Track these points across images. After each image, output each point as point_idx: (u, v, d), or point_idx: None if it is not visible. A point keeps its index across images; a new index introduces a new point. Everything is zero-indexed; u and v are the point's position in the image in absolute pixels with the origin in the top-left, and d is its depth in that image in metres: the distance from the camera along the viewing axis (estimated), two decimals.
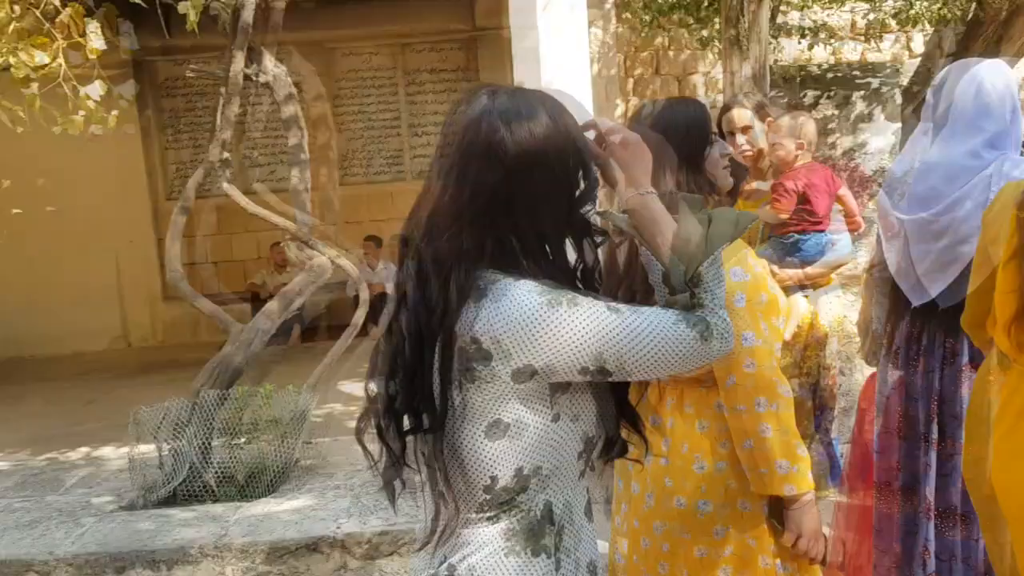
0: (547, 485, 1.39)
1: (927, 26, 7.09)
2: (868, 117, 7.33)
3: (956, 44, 7.30)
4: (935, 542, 2.51)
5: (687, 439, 2.06)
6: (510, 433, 1.35)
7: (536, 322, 1.31)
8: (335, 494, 4.16)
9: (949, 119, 2.48)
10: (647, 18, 7.82)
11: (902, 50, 9.20)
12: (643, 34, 8.32)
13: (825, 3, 7.34)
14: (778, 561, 2.04)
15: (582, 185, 1.39)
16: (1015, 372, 2.07)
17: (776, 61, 7.32)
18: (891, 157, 6.87)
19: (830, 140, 7.37)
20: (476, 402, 1.34)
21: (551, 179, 1.37)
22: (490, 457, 1.36)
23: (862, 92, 7.27)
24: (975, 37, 6.79)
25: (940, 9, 6.31)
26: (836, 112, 7.37)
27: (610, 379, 1.36)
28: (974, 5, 6.21)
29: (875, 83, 7.21)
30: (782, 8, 6.39)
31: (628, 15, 8.18)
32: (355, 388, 6.03)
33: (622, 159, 1.43)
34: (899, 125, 6.99)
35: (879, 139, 7.21)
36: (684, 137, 2.04)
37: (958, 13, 6.38)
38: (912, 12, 6.48)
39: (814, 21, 7.51)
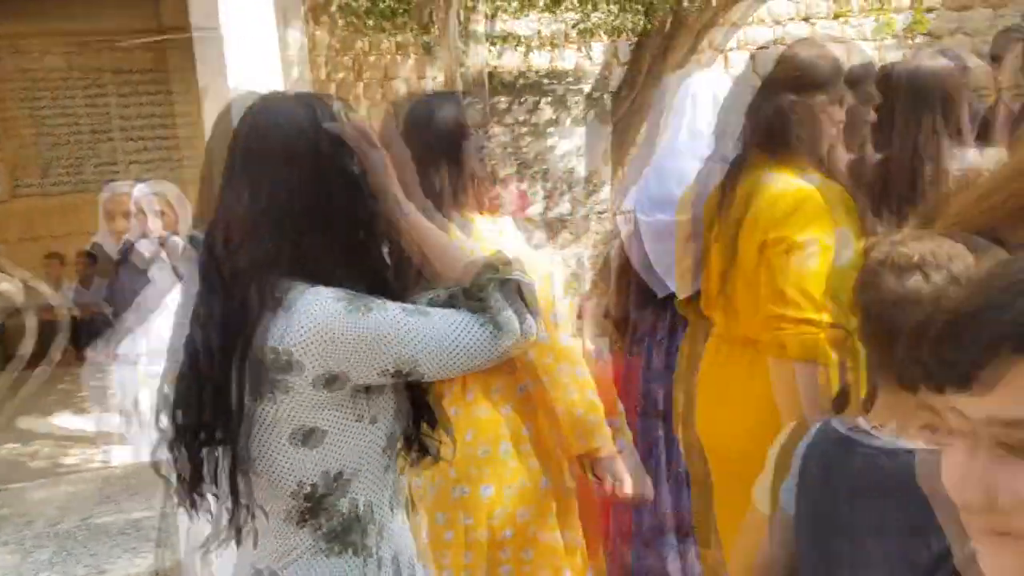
0: (353, 485, 1.42)
1: (603, 37, 7.45)
2: (556, 122, 7.58)
3: (630, 54, 7.74)
4: (670, 500, 2.84)
5: (472, 426, 2.10)
6: (316, 438, 1.38)
7: (333, 329, 1.34)
8: (34, 543, 3.88)
9: (672, 125, 2.71)
10: (342, 22, 7.60)
11: (584, 59, 9.55)
12: (342, 37, 8.06)
13: (512, 12, 7.46)
14: (567, 531, 2.16)
15: (371, 186, 1.41)
16: (714, 337, 2.38)
17: (469, 68, 7.32)
18: (578, 159, 7.17)
19: (521, 145, 7.62)
20: (281, 411, 1.36)
21: (340, 182, 1.39)
22: (298, 463, 1.38)
23: (549, 98, 7.49)
24: (645, 47, 7.17)
25: (614, 21, 6.63)
26: (527, 117, 7.60)
27: (409, 380, 1.41)
28: (643, 18, 6.55)
29: (560, 90, 7.46)
30: (474, 16, 6.44)
31: (326, 18, 7.88)
32: (41, 423, 5.52)
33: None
34: (583, 129, 7.33)
35: (566, 142, 7.54)
36: (441, 131, 2.06)
37: (628, 25, 6.71)
38: (590, 24, 6.77)
39: (504, 30, 7.65)
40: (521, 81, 7.41)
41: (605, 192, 7.61)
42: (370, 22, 7.08)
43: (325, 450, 1.39)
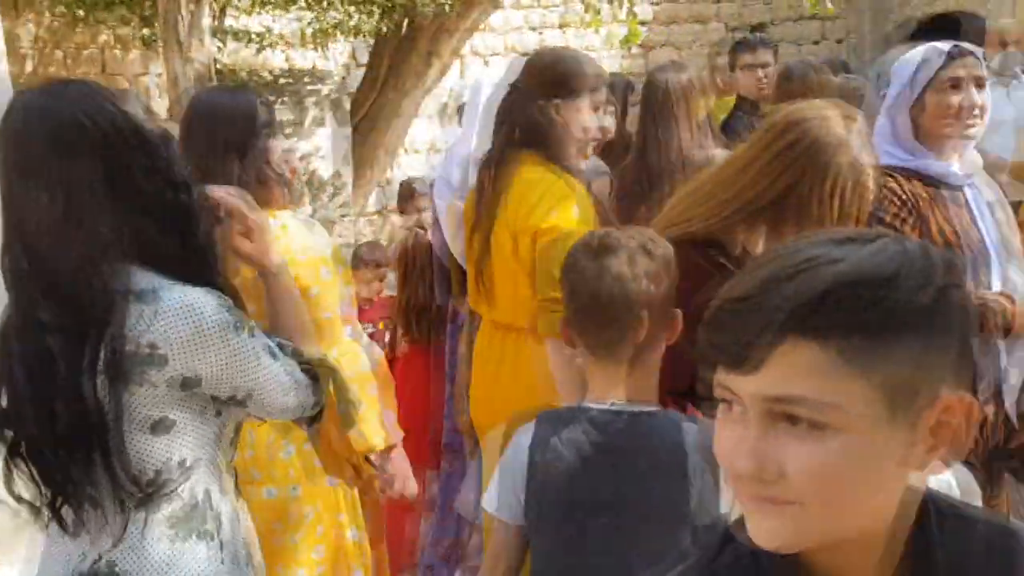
0: (195, 473, 1.45)
1: (340, 37, 7.42)
2: (322, 121, 7.44)
3: (368, 56, 7.78)
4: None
5: (272, 426, 2.07)
6: (175, 429, 1.41)
7: (218, 338, 1.38)
8: None
9: (479, 119, 2.82)
10: (49, 14, 7.00)
11: (350, 59, 9.47)
12: (53, 29, 7.41)
13: (271, 9, 7.23)
14: (352, 530, 2.18)
15: (179, 172, 1.40)
16: (484, 325, 2.49)
17: (225, 65, 7.00)
18: (320, 161, 7.11)
19: (287, 145, 7.37)
20: (142, 402, 1.37)
21: (142, 168, 1.37)
22: (155, 452, 1.40)
23: (314, 98, 7.34)
24: (384, 49, 7.26)
25: (350, 21, 6.63)
26: (292, 117, 7.41)
27: (229, 406, 1.46)
28: (379, 20, 6.61)
29: (325, 90, 7.32)
30: (230, 12, 6.17)
31: (31, 12, 7.24)
32: None
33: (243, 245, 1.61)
34: (324, 130, 7.26)
35: (306, 144, 7.46)
36: (233, 126, 2.05)
37: (365, 27, 6.75)
38: (326, 23, 6.70)
39: (264, 26, 7.40)
40: (255, 80, 7.18)
41: (347, 194, 7.56)
42: (80, 12, 6.56)
43: (172, 438, 1.42)
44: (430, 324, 3.24)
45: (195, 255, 1.43)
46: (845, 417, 0.74)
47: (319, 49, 7.51)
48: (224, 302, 1.41)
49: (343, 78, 8.07)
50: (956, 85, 2.20)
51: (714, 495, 1.52)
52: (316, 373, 1.54)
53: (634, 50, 10.05)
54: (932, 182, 2.23)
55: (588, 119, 2.36)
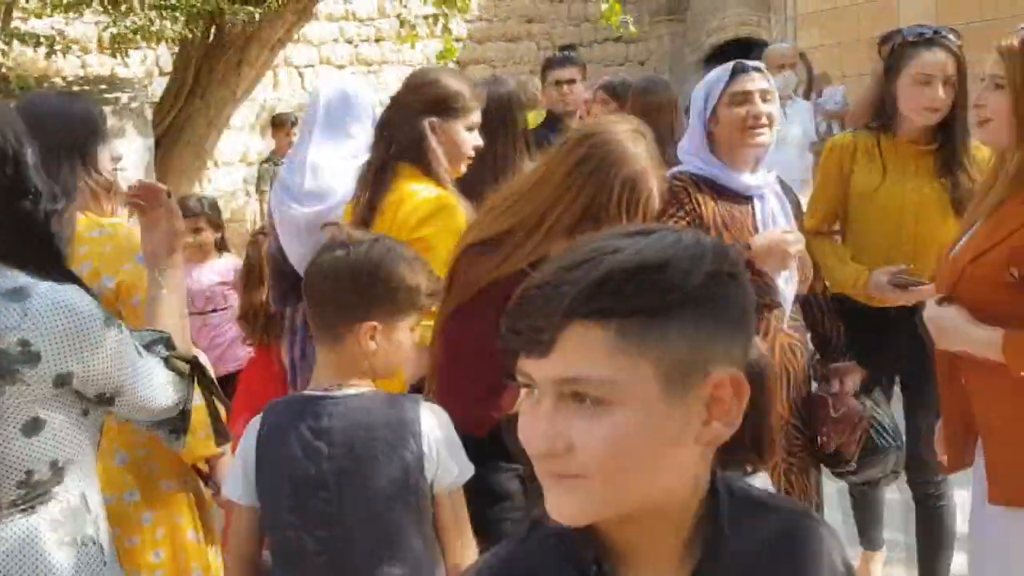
0: (70, 475, 1.44)
1: (141, 43, 7.11)
2: (121, 131, 7.07)
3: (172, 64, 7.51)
4: None
5: (104, 434, 2.01)
6: (46, 429, 1.39)
7: (93, 335, 1.39)
8: None
9: (320, 125, 2.86)
10: None
11: (153, 66, 9.05)
12: None
13: (63, 12, 6.79)
14: (191, 531, 2.15)
15: (31, 180, 1.42)
16: None
17: (10, 69, 6.52)
18: (147, 172, 6.77)
19: (116, 153, 6.96)
20: (14, 402, 1.36)
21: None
22: (26, 453, 1.38)
23: (111, 107, 6.96)
24: (190, 58, 7.01)
25: (150, 27, 6.32)
26: None
27: (98, 405, 1.46)
28: (183, 27, 6.35)
29: (124, 98, 6.94)
30: (17, 14, 5.73)
31: None
32: None
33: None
34: (151, 140, 6.90)
35: (133, 154, 7.06)
36: (72, 132, 2.04)
37: (168, 33, 6.47)
38: (124, 28, 6.37)
39: (55, 29, 6.95)
40: (46, 85, 6.74)
41: None
42: None
43: (55, 440, 1.41)
44: (271, 330, 3.21)
45: (54, 257, 1.44)
46: (625, 394, 0.79)
47: (118, 56, 7.12)
48: (94, 299, 1.43)
49: (145, 86, 7.70)
50: (742, 98, 2.36)
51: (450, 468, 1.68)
52: (183, 370, 1.55)
53: (450, 66, 10.17)
54: (722, 191, 2.40)
55: (464, 138, 2.47)
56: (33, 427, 1.38)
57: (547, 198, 1.87)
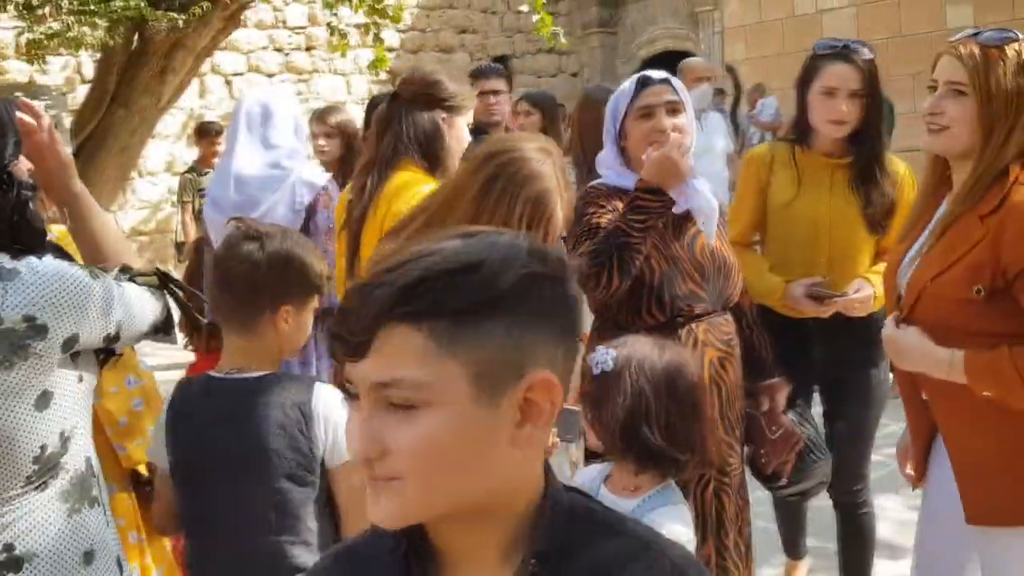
0: (75, 443, 1.49)
1: (61, 50, 6.91)
2: None
3: (96, 70, 7.30)
4: None
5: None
6: (55, 401, 1.44)
7: (85, 293, 1.46)
8: None
9: (242, 138, 2.93)
10: None
11: (75, 73, 8.80)
12: None
13: None
14: (133, 532, 2.21)
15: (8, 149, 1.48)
16: None
17: None
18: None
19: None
20: (26, 378, 1.40)
21: None
22: (40, 427, 1.43)
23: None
24: (112, 65, 6.84)
25: (68, 33, 6.14)
26: None
27: (110, 345, 1.54)
28: (104, 33, 6.19)
29: (41, 106, 6.69)
30: None
31: None
32: None
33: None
34: (70, 149, 6.68)
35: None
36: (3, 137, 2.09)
37: (89, 40, 6.29)
38: (40, 33, 6.18)
39: None
40: None
41: None
42: None
43: (62, 411, 1.46)
44: (215, 336, 3.20)
45: (34, 236, 1.51)
46: (437, 396, 0.80)
47: (36, 62, 6.90)
48: (65, 260, 1.51)
49: (64, 94, 7.48)
50: (647, 112, 2.32)
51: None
52: (154, 283, 1.65)
53: (383, 76, 10.10)
54: None
55: (466, 134, 2.57)
56: (44, 401, 1.44)
57: (459, 223, 1.82)
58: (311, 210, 2.92)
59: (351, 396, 0.84)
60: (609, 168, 2.42)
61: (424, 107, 2.50)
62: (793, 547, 3.21)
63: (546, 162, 1.81)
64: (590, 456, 2.15)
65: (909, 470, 2.13)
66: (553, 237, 1.77)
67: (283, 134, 2.97)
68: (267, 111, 2.98)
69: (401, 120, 2.50)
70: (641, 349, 1.77)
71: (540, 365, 0.83)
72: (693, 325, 2.29)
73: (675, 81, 2.38)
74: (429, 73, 2.63)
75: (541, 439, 0.85)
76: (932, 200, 2.01)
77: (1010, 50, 1.81)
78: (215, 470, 1.76)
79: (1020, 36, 1.85)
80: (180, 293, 1.70)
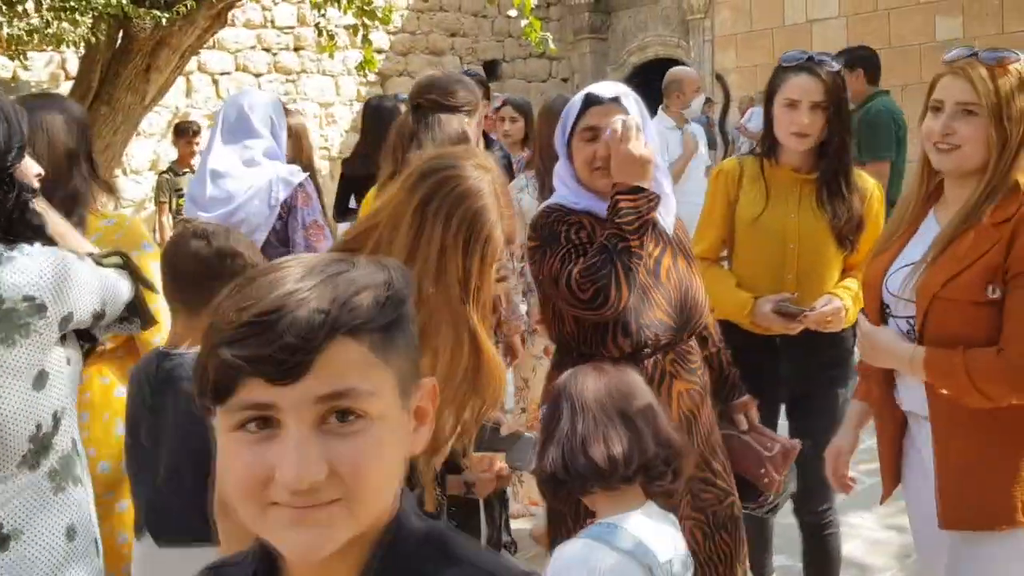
0: (64, 423, 1.60)
1: (44, 46, 6.84)
2: None
3: (79, 67, 7.26)
4: None
5: (107, 408, 2.29)
6: (49, 381, 1.56)
7: (75, 272, 1.61)
8: None
9: (220, 137, 3.01)
10: None
11: (59, 69, 8.73)
12: None
13: None
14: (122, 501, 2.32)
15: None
16: None
17: None
18: None
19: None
20: (27, 356, 1.50)
21: None
22: (37, 406, 1.53)
23: None
24: (96, 62, 6.77)
25: (47, 29, 6.06)
26: None
27: (99, 322, 1.69)
28: (87, 30, 6.12)
29: None
30: None
31: None
32: None
33: None
34: None
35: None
36: (84, 135, 2.29)
37: (71, 36, 6.22)
38: (51, 32, 6.11)
39: None
40: None
41: None
42: None
43: (55, 391, 1.57)
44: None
45: (33, 230, 1.65)
46: (380, 406, 0.82)
47: (17, 58, 6.84)
48: (50, 245, 1.64)
49: (47, 91, 7.44)
50: (591, 134, 2.15)
51: None
52: (119, 264, 1.81)
53: (371, 77, 10.05)
54: (601, 221, 2.17)
55: (476, 135, 2.68)
56: (41, 381, 1.55)
57: (401, 249, 1.67)
58: (289, 207, 2.96)
59: (259, 427, 0.79)
60: (563, 183, 2.26)
61: (453, 111, 2.61)
62: (760, 566, 3.17)
63: (483, 179, 1.70)
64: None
65: (838, 467, 2.24)
66: (492, 256, 1.69)
67: (260, 132, 3.03)
68: (245, 110, 3.05)
69: (429, 128, 2.57)
70: (577, 375, 1.77)
71: (420, 373, 0.90)
72: (660, 356, 2.17)
73: (627, 100, 2.18)
74: (445, 79, 2.73)
75: (422, 444, 0.90)
76: (921, 211, 2.05)
77: (1012, 69, 1.88)
78: (139, 431, 1.98)
79: (1018, 54, 1.92)
80: (137, 277, 1.86)
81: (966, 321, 1.87)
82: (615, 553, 1.64)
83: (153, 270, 2.30)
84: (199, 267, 1.96)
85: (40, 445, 1.55)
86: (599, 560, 1.63)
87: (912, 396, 2.02)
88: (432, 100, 2.61)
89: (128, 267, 1.83)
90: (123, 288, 1.77)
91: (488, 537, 2.19)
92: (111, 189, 2.47)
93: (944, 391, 1.89)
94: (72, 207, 2.25)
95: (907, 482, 2.11)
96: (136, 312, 1.84)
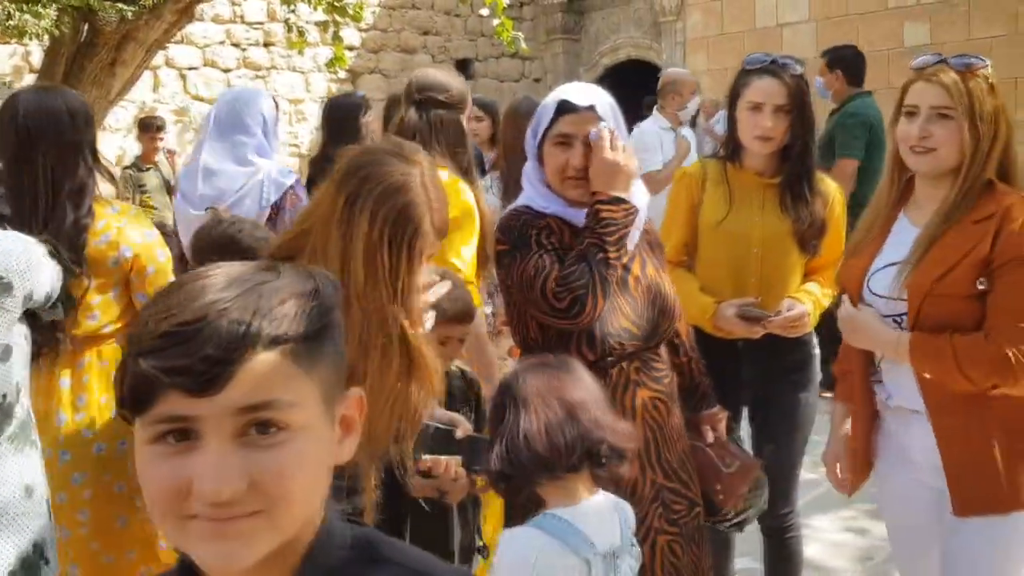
0: (25, 391, 1.79)
1: (11, 39, 6.71)
2: None
3: (43, 60, 7.13)
4: None
5: (106, 392, 2.34)
6: (12, 355, 1.72)
7: (37, 255, 1.79)
8: None
9: (211, 135, 3.03)
10: None
11: (23, 62, 8.60)
12: None
13: None
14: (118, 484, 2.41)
15: None
16: None
17: None
18: None
19: None
20: None
21: None
22: (3, 379, 1.70)
23: None
24: (60, 55, 6.67)
25: (8, 21, 5.96)
26: None
27: (47, 305, 1.88)
28: (51, 23, 6.02)
29: None
30: None
31: None
32: None
33: None
34: None
35: None
36: (88, 126, 2.37)
37: (33, 28, 6.11)
38: (13, 23, 6.00)
39: None
40: None
41: None
42: None
43: (11, 364, 1.72)
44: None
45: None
46: (302, 417, 0.81)
47: None
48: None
49: (9, 83, 7.31)
50: (564, 142, 2.10)
51: None
52: (53, 252, 1.93)
53: (342, 74, 9.98)
54: (571, 226, 2.15)
55: (469, 131, 2.75)
56: (6, 354, 1.70)
57: (335, 249, 1.62)
58: (278, 208, 3.00)
59: (177, 439, 0.78)
60: (532, 184, 2.21)
61: (454, 110, 2.66)
62: (721, 570, 3.17)
63: (410, 172, 1.64)
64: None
65: (839, 472, 2.23)
66: (421, 252, 1.64)
67: (248, 134, 3.04)
68: (234, 112, 3.06)
69: (433, 126, 2.62)
70: (519, 371, 1.78)
71: (345, 383, 0.88)
72: (624, 364, 2.12)
73: (602, 107, 2.11)
74: (443, 76, 2.78)
75: (347, 455, 0.89)
76: (893, 212, 2.12)
77: (980, 73, 1.98)
78: None
79: (984, 60, 2.01)
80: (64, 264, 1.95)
81: (956, 313, 1.94)
82: (554, 543, 1.65)
83: (159, 256, 2.45)
84: (227, 249, 2.09)
85: (3, 414, 1.70)
86: (536, 550, 1.64)
87: (901, 391, 2.06)
88: (431, 98, 2.63)
89: (56, 255, 1.91)
90: (55, 273, 1.89)
91: (460, 540, 2.14)
92: (113, 178, 2.58)
93: (927, 375, 1.96)
94: (79, 199, 2.29)
95: (881, 473, 2.17)
96: (61, 298, 1.94)
